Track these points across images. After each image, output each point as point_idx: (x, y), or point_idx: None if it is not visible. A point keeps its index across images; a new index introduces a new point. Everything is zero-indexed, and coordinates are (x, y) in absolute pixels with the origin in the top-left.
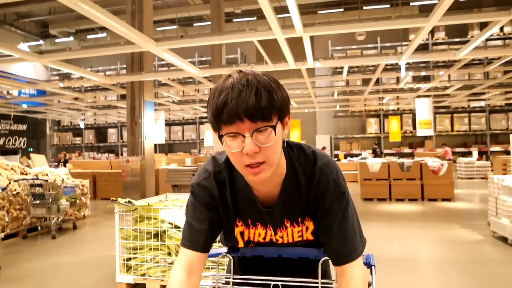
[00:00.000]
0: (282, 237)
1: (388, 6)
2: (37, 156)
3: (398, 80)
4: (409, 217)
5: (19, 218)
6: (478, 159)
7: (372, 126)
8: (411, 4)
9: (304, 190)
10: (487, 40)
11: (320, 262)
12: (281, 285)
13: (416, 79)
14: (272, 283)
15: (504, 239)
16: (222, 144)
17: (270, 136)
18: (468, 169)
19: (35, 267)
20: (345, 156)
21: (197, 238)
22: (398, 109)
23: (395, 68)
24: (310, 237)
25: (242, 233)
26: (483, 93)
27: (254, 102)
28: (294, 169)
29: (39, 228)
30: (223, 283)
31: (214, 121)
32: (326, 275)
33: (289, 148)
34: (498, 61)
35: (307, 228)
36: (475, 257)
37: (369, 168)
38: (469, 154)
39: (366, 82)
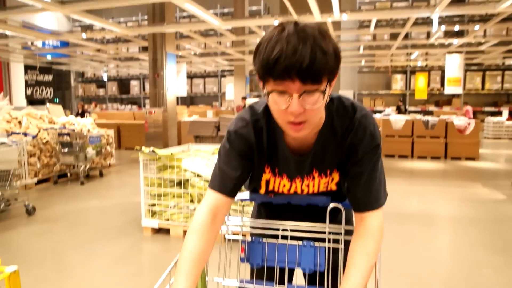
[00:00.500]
0: (308, 186)
1: None
2: (54, 107)
3: (428, 35)
4: (430, 174)
5: (50, 165)
6: (508, 119)
7: (398, 83)
8: None
9: (339, 140)
10: None
11: (329, 208)
12: (290, 230)
13: (448, 34)
14: (281, 227)
15: None
16: (267, 97)
17: (318, 100)
18: (496, 129)
19: (66, 209)
20: None
21: (227, 183)
22: (426, 65)
23: (426, 22)
24: (334, 188)
25: (268, 182)
26: None
27: (308, 64)
28: (332, 120)
29: (68, 174)
30: (235, 227)
31: (262, 75)
32: (349, 222)
33: (329, 99)
34: None
35: (332, 179)
36: (495, 216)
37: (392, 125)
38: (498, 114)
39: (394, 36)
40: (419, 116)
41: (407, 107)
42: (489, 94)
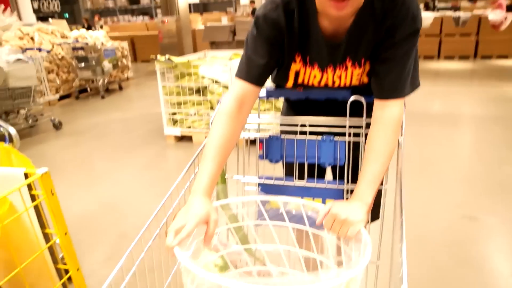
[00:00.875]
0: (340, 78)
1: None
2: (58, 22)
3: None
4: (457, 74)
5: (69, 80)
6: None
7: None
8: None
9: (378, 24)
10: None
11: (349, 101)
12: (310, 125)
13: None
14: (300, 122)
15: None
16: None
17: None
18: None
19: (91, 122)
20: None
21: (254, 71)
22: None
23: None
24: (366, 80)
25: (297, 73)
26: None
27: None
28: (372, 1)
29: (88, 89)
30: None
31: None
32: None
33: None
34: None
35: (365, 70)
36: None
37: None
38: None
39: None
40: (449, 13)
41: (436, 3)
42: None
